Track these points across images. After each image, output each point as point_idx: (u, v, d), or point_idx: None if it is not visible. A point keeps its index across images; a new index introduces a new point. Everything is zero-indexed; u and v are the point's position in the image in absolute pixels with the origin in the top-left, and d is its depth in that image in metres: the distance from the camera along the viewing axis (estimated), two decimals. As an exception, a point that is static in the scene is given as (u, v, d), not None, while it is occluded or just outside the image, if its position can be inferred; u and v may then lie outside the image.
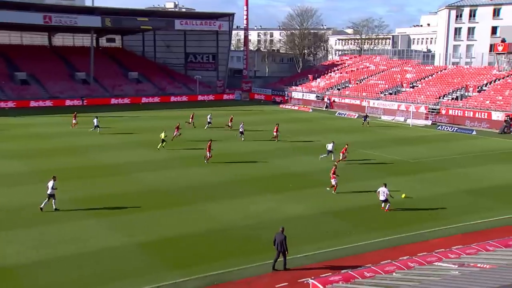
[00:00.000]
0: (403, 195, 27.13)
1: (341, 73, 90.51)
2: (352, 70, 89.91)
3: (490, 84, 64.73)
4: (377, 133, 51.35)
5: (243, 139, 43.26)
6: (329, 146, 36.52)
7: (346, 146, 36.14)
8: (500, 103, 57.60)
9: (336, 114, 67.89)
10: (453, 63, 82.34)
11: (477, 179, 31.07)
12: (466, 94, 64.17)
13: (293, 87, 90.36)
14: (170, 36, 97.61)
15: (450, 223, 22.75)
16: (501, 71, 67.02)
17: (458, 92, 65.44)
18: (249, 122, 57.16)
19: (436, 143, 45.22)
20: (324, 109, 75.73)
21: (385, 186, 24.92)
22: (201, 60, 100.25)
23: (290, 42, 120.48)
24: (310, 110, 74.43)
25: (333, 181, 27.50)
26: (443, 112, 60.77)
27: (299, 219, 23.32)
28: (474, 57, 79.13)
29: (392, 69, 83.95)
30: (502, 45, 65.39)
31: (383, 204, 24.82)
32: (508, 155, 39.77)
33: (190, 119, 51.04)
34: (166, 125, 47.75)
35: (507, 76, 65.14)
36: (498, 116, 54.87)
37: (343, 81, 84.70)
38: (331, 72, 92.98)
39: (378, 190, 25.12)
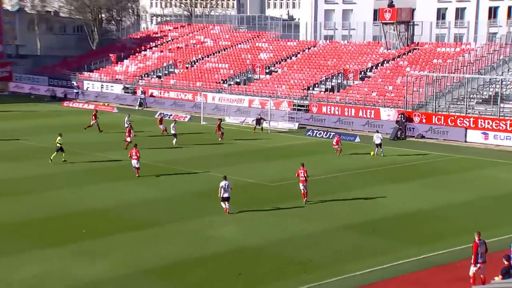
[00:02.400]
0: (372, 153, 47.17)
1: (161, 51, 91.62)
2: (179, 47, 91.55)
3: (376, 67, 71.12)
4: (220, 143, 52.90)
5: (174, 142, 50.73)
6: (377, 139, 47.73)
7: (338, 137, 49.02)
8: (391, 96, 63.53)
9: (156, 116, 68.22)
10: (325, 37, 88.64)
11: (365, 208, 33.60)
12: (345, 82, 69.50)
13: (86, 74, 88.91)
14: None
15: (327, 276, 24.10)
16: (390, 49, 74.11)
17: (333, 80, 70.60)
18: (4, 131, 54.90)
19: (305, 156, 47.83)
20: (137, 108, 75.81)
21: (225, 179, 31.41)
22: None
23: (77, 0, 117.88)
24: (115, 111, 73.77)
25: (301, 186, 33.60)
26: (314, 109, 64.94)
27: (97, 285, 22.86)
28: (353, 29, 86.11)
29: (239, 45, 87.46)
30: (389, 12, 72.15)
31: (225, 204, 31.17)
32: (405, 170, 43.98)
33: (93, 119, 57.27)
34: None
35: (399, 57, 72.24)
36: (388, 114, 60.41)
37: (165, 64, 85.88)
38: (146, 50, 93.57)
39: (220, 185, 31.22)
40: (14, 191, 35.89)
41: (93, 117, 58.07)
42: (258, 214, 31.88)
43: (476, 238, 21.96)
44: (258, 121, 59.31)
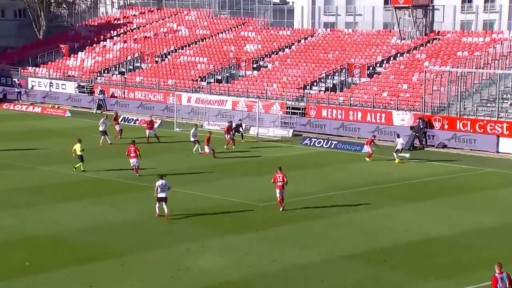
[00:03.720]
0: (397, 161, 51.13)
1: (125, 41, 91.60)
2: (146, 37, 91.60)
3: (388, 62, 71.41)
4: (198, 153, 53.19)
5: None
6: (399, 143, 51.58)
7: (372, 138, 52.92)
8: (406, 96, 63.82)
9: (119, 121, 68.10)
10: (325, 25, 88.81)
11: (373, 233, 33.64)
12: (350, 80, 69.68)
13: (30, 69, 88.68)
14: None
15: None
16: (404, 39, 74.44)
17: (336, 77, 70.77)
18: None
19: (301, 170, 48.08)
20: (95, 111, 75.74)
21: (162, 178, 35.04)
22: None
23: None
24: (68, 114, 73.69)
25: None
26: (312, 113, 65.14)
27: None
28: (360, 14, 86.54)
29: (221, 34, 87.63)
30: (404, -6, 72.60)
31: (158, 208, 34.87)
32: (423, 188, 44.13)
33: (115, 124, 59.82)
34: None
35: (415, 49, 72.52)
36: (403, 119, 60.73)
37: (129, 58, 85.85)
38: (105, 40, 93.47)
39: (156, 185, 34.80)
40: None
41: (115, 122, 59.47)
42: (245, 241, 31.98)
43: (497, 271, 21.99)
44: (237, 128, 59.41)
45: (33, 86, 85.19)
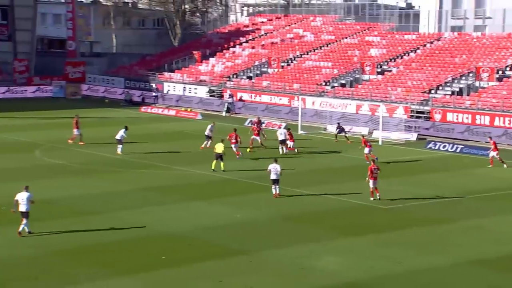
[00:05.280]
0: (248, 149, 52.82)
1: (253, 47, 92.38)
2: (273, 43, 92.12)
3: (519, 65, 69.32)
4: (319, 156, 52.94)
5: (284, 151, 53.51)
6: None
7: (490, 140, 51.09)
8: (538, 100, 61.93)
9: (246, 124, 68.71)
10: (452, 29, 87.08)
11: (501, 238, 32.69)
12: (478, 84, 68.08)
13: (166, 74, 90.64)
14: None
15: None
16: (537, 41, 72.31)
17: (462, 81, 69.29)
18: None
19: (425, 174, 47.31)
20: (224, 114, 76.63)
21: (275, 162, 39.47)
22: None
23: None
24: (199, 117, 74.82)
25: None
26: (437, 117, 63.99)
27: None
28: (489, 17, 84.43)
29: (345, 40, 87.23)
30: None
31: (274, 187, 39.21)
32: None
33: (254, 131, 56.69)
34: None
35: (548, 51, 70.35)
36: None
37: (257, 63, 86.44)
38: (235, 46, 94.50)
39: (269, 168, 39.29)
40: (83, 211, 36.72)
41: (255, 127, 57.42)
42: (367, 243, 31.75)
43: None
44: (340, 130, 59.57)
45: (168, 90, 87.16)
